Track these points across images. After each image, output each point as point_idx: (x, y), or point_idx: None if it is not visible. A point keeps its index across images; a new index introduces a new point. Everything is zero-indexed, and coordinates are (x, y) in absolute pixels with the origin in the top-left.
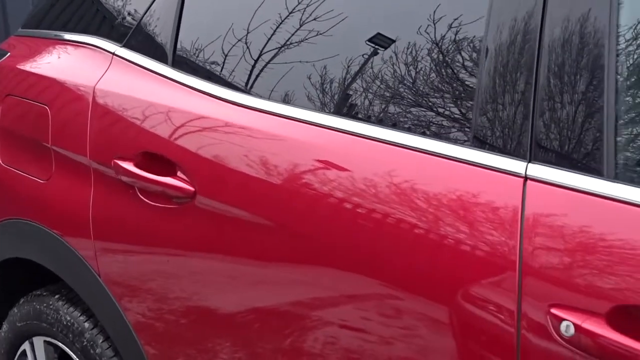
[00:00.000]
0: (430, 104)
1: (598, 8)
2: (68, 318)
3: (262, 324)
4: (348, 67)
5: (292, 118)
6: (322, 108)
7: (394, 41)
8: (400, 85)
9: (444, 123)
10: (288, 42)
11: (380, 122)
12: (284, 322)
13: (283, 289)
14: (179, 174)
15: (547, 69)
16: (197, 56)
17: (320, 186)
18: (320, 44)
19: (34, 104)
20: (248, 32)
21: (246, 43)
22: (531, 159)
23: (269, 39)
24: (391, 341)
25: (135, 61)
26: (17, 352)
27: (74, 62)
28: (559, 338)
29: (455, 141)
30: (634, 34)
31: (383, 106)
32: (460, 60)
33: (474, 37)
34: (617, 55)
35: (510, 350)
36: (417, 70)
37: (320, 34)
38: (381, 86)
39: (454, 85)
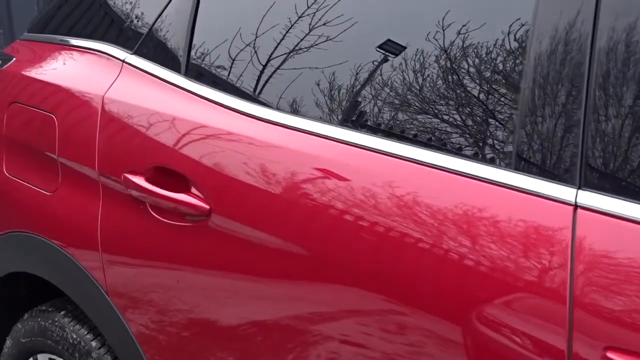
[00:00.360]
0: (464, 121)
1: None
2: (74, 336)
3: (279, 347)
4: (387, 82)
5: (322, 135)
6: (355, 125)
7: (420, 49)
8: (432, 101)
9: (481, 142)
10: (309, 50)
11: (412, 139)
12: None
13: (304, 309)
14: (193, 190)
15: (599, 81)
16: (212, 65)
17: (367, 214)
18: (339, 54)
19: (39, 112)
20: (267, 41)
21: (266, 52)
22: (581, 185)
23: (291, 48)
24: None
25: (147, 69)
26: None
27: (82, 69)
28: None
29: (493, 163)
30: None
31: (414, 123)
32: (498, 72)
33: (516, 46)
34: None
35: None
36: (448, 82)
37: (338, 41)
38: (414, 100)
39: (491, 100)
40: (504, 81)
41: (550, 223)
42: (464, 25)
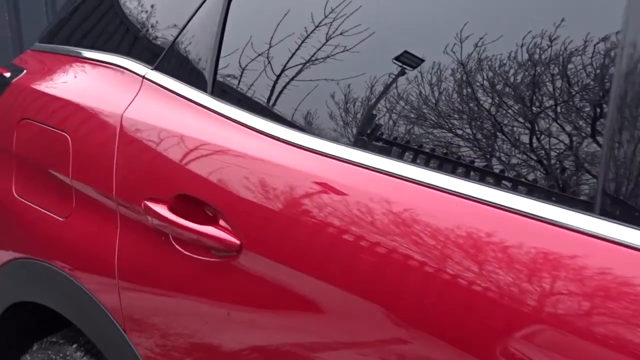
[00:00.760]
0: (526, 149)
1: None
2: None
3: None
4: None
5: (374, 169)
6: (406, 156)
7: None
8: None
9: (548, 177)
10: (347, 71)
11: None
12: None
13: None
14: (221, 222)
15: None
16: (242, 84)
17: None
18: (379, 78)
19: (52, 131)
20: (304, 58)
21: (305, 72)
22: None
23: (331, 67)
24: None
25: (169, 87)
26: None
27: (98, 85)
28: None
29: (569, 204)
30: None
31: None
32: (580, 85)
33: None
34: None
35: None
36: (513, 104)
37: (376, 63)
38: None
39: (560, 124)
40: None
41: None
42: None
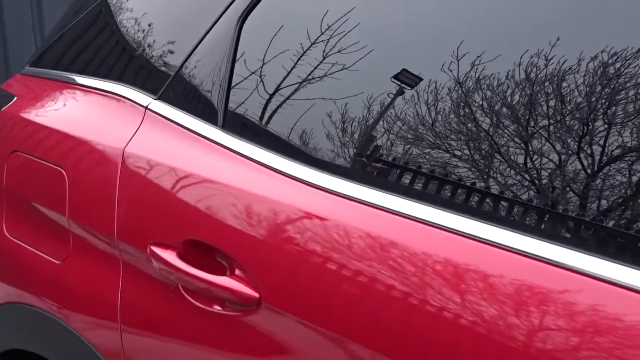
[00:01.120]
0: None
1: None
2: None
3: None
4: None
5: (410, 217)
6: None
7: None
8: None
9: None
10: (372, 106)
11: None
12: None
13: None
14: (237, 272)
15: None
16: (257, 116)
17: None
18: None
19: (47, 165)
20: (327, 88)
21: (324, 103)
22: None
23: (353, 102)
24: None
25: (175, 119)
26: None
27: (96, 116)
28: None
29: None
30: None
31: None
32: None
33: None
34: None
35: None
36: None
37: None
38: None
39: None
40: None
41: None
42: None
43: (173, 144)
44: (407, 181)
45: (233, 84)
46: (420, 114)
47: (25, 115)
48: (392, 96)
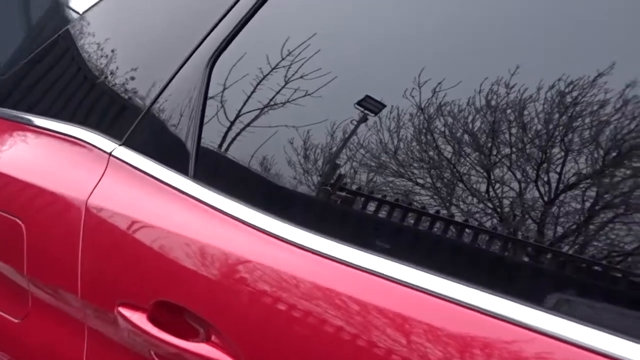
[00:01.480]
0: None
1: None
2: None
3: None
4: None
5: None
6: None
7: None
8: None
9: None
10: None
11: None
12: None
13: None
14: (214, 338)
15: None
16: (232, 165)
17: None
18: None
19: (2, 216)
20: (317, 137)
21: (312, 148)
22: None
23: (334, 146)
24: None
25: (142, 167)
26: None
27: (57, 162)
28: None
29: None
30: None
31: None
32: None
33: None
34: None
35: None
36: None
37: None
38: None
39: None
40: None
41: None
42: None
43: (139, 194)
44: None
45: (204, 129)
46: (383, 141)
47: None
48: (355, 122)
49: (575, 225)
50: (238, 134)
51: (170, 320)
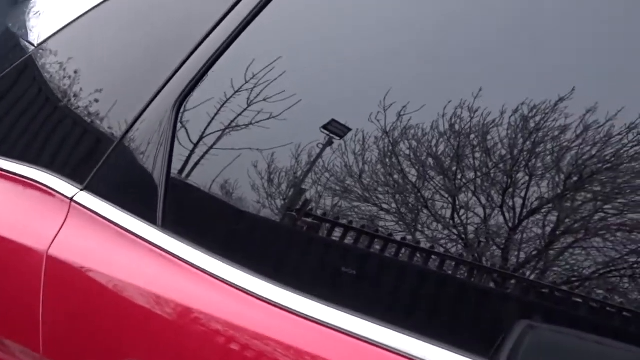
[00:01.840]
0: None
1: None
2: None
3: None
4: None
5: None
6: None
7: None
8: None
9: None
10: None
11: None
12: None
13: None
14: None
15: None
16: (205, 216)
17: None
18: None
19: None
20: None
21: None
22: None
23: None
24: None
25: (105, 214)
26: None
27: (12, 208)
28: None
29: None
30: None
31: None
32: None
33: None
34: None
35: None
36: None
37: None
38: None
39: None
40: None
41: None
42: None
43: (104, 245)
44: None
45: (173, 175)
46: (348, 165)
47: None
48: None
49: (536, 250)
50: (212, 181)
51: None
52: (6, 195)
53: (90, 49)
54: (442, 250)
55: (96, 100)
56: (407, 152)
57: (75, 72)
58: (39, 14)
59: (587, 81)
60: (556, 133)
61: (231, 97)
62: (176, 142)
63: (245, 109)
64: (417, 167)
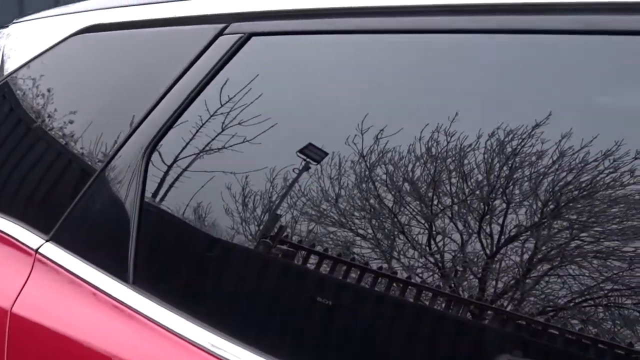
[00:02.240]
0: None
1: None
2: None
3: None
4: None
5: None
6: None
7: None
8: None
9: None
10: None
11: None
12: None
13: None
14: None
15: None
16: (180, 274)
17: None
18: None
19: None
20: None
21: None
22: None
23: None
24: None
25: (72, 269)
26: None
27: None
28: None
29: None
30: None
31: None
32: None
33: None
34: None
35: None
36: None
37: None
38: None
39: None
40: None
41: None
42: None
43: (69, 304)
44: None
45: (142, 224)
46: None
47: None
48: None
49: (514, 279)
50: (184, 232)
51: None
52: None
53: (57, 93)
54: (418, 280)
55: (64, 147)
56: (384, 176)
57: (41, 116)
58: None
59: (563, 108)
60: (533, 159)
61: (204, 147)
62: (147, 192)
63: (218, 152)
64: (393, 193)
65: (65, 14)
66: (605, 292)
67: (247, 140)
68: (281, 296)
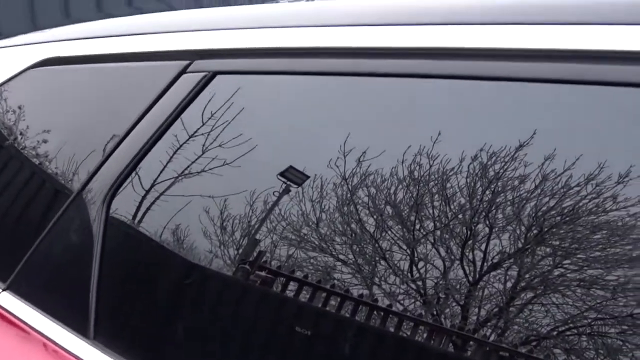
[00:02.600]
0: None
1: None
2: None
3: None
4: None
5: None
6: None
7: None
8: None
9: None
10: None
11: None
12: None
13: None
14: None
15: None
16: (144, 327)
17: None
18: None
19: None
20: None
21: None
22: None
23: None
24: None
25: (29, 322)
26: None
27: None
28: None
29: None
30: None
31: None
32: None
33: None
34: None
35: None
36: None
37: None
38: None
39: None
40: None
41: None
42: None
43: (26, 357)
44: None
45: (104, 272)
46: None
47: None
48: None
49: (497, 307)
50: (152, 281)
51: None
52: None
53: (13, 131)
54: (400, 307)
55: (21, 190)
56: (366, 199)
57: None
58: None
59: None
60: (516, 183)
61: (168, 192)
62: (108, 240)
63: (182, 198)
64: (375, 217)
65: (27, 44)
66: (589, 321)
67: (211, 184)
68: (258, 331)
